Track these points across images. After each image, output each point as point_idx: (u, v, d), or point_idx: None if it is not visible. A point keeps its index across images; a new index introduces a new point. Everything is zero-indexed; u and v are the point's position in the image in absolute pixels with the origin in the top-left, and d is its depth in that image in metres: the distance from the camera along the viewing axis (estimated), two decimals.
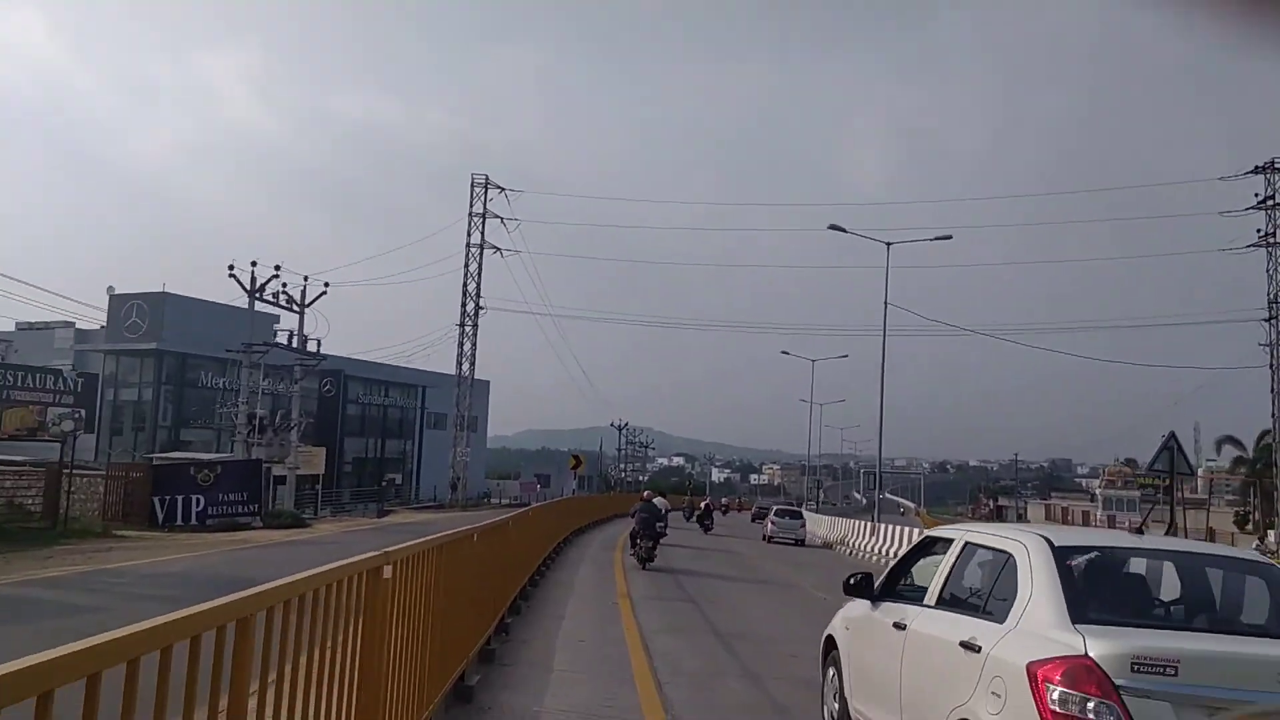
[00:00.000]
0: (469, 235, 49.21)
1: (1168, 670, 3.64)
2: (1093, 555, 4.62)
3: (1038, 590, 4.27)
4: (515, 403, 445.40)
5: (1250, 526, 61.79)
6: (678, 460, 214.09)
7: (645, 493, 24.42)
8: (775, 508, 41.03)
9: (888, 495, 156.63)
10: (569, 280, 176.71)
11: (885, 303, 33.44)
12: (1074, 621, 3.98)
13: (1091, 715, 3.64)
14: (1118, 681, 3.64)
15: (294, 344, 32.35)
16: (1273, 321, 40.43)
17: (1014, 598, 4.39)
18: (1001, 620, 4.35)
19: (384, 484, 53.73)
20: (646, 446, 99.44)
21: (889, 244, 33.74)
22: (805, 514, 41.11)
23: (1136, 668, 3.65)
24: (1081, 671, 3.71)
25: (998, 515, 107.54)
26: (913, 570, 5.91)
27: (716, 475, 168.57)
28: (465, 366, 49.64)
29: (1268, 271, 40.63)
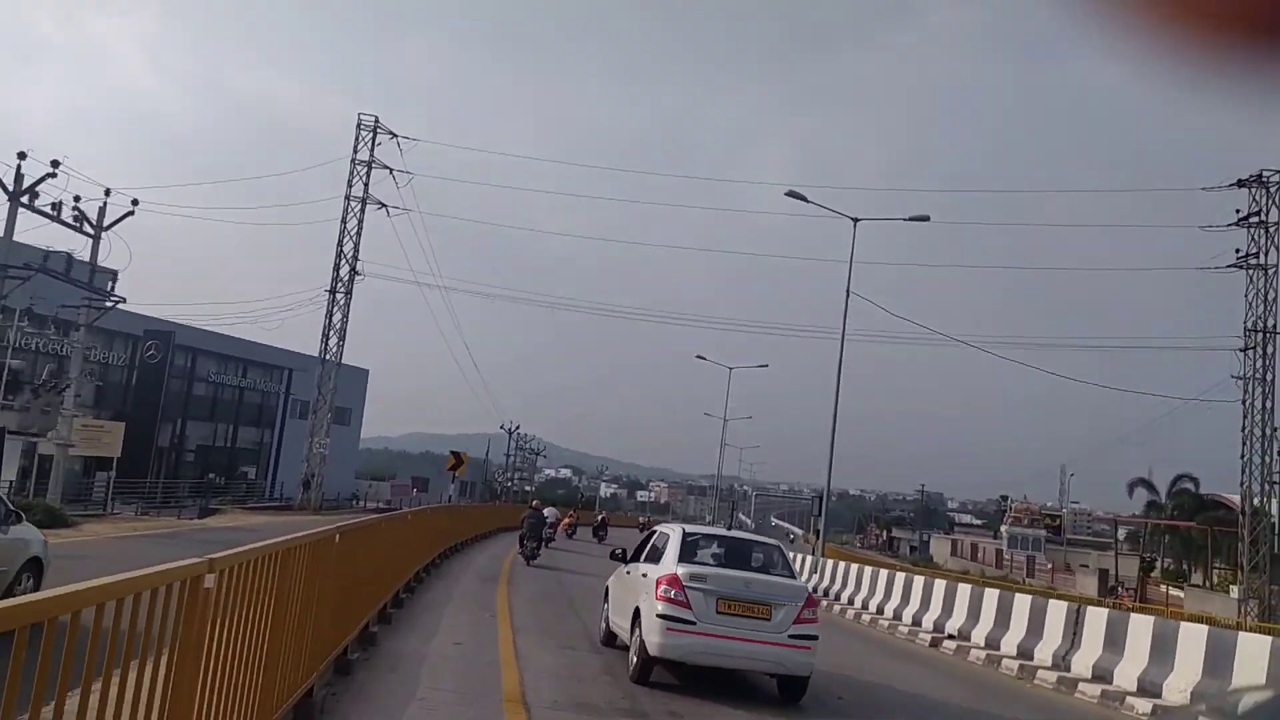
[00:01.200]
0: (349, 185, 41.09)
1: (704, 580, 9.02)
2: (698, 536, 10.38)
3: (671, 550, 9.66)
4: (403, 404, 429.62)
5: (1157, 573, 58.64)
6: (565, 472, 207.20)
7: (534, 502, 27.79)
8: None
9: (776, 521, 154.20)
10: (463, 264, 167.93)
11: (848, 291, 27.71)
12: (679, 561, 9.32)
13: (673, 596, 8.88)
14: (685, 583, 8.95)
15: (86, 276, 23.62)
16: (1248, 351, 36.20)
17: (665, 553, 9.73)
18: (658, 563, 9.68)
19: (210, 478, 45.52)
20: (537, 454, 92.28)
21: (855, 220, 28.00)
22: None
23: (691, 578, 9.00)
24: (673, 578, 9.01)
25: (890, 547, 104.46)
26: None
27: (605, 490, 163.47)
28: (334, 341, 41.59)
29: (1246, 296, 36.42)
